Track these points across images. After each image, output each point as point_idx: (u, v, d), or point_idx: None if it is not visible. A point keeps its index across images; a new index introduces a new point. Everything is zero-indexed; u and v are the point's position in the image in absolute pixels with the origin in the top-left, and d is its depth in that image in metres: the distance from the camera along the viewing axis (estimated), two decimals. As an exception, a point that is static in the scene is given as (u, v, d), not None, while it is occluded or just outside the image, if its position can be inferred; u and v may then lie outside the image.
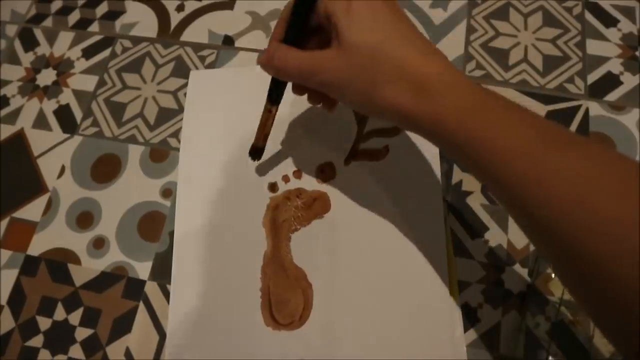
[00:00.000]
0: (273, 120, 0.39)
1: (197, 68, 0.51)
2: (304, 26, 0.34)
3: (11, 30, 0.57)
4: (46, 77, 0.53)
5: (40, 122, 0.51)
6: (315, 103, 0.38)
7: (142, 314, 0.42)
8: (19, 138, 0.50)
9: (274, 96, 0.38)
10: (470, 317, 0.39)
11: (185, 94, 0.50)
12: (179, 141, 0.48)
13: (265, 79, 0.37)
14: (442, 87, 0.29)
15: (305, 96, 0.38)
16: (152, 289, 0.42)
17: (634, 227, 0.22)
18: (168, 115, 0.49)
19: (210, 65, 0.51)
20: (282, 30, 0.34)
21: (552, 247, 0.27)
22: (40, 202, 0.47)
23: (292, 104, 0.46)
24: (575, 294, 0.27)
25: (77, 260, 0.44)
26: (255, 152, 0.42)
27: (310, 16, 0.33)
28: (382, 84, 0.30)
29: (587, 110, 0.45)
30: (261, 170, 0.45)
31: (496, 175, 0.27)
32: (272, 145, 0.45)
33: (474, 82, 0.30)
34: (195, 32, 0.53)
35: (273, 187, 0.44)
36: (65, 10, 0.57)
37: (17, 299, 0.44)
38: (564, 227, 0.25)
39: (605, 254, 0.23)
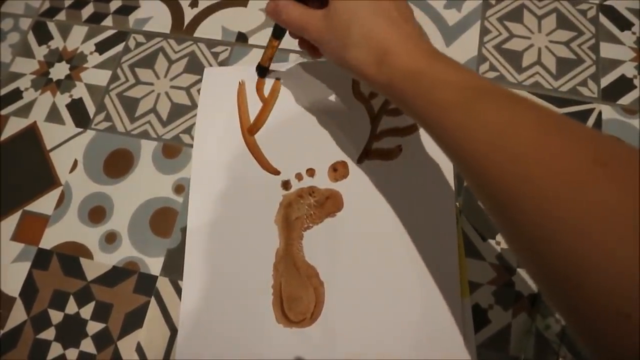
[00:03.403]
0: (276, 49, 0.45)
1: (210, 64, 0.51)
2: None
3: (25, 23, 0.57)
4: (59, 70, 0.54)
5: (53, 115, 0.51)
6: (303, 48, 0.42)
7: (153, 309, 0.42)
8: (32, 131, 0.51)
9: (277, 33, 0.44)
10: (480, 319, 0.39)
11: (198, 91, 0.50)
12: (191, 137, 0.48)
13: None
14: (397, 56, 0.33)
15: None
16: (163, 285, 0.43)
17: (540, 164, 0.25)
18: (181, 111, 0.50)
19: (224, 62, 0.51)
20: None
21: (481, 191, 0.29)
22: (53, 195, 0.47)
23: (307, 102, 0.47)
24: (506, 238, 0.29)
25: (89, 255, 0.44)
26: (260, 69, 0.48)
27: None
28: (351, 46, 0.34)
29: (599, 114, 0.45)
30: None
31: (437, 127, 0.31)
32: (286, 143, 0.46)
33: (429, 49, 0.33)
34: (209, 29, 0.54)
35: (286, 184, 0.44)
36: (78, 4, 0.57)
37: (29, 291, 0.44)
38: (487, 170, 0.27)
39: (517, 191, 0.25)
